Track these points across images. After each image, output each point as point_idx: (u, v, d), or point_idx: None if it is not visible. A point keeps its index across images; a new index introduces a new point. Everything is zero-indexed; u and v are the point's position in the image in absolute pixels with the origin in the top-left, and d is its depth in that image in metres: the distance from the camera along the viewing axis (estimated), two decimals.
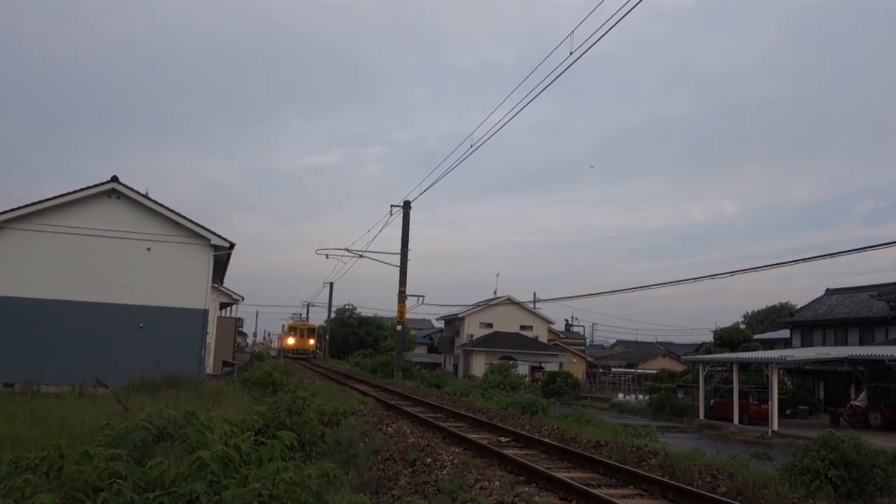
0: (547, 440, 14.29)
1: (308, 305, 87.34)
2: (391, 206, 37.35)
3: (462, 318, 66.16)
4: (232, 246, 23.95)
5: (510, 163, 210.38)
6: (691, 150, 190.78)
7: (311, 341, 71.11)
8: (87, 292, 22.10)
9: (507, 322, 65.11)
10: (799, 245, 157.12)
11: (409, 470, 10.56)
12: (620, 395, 49.79)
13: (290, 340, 70.89)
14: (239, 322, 59.26)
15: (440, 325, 78.98)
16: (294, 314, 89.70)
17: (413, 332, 70.95)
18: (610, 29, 13.21)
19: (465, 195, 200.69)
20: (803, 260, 40.33)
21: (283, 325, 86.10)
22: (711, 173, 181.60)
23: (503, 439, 14.86)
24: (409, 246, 37.51)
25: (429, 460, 10.99)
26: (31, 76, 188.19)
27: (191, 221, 23.35)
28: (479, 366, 58.54)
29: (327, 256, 42.74)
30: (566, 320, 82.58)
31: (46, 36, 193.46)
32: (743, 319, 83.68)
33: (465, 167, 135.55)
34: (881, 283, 41.60)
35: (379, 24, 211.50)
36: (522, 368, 53.05)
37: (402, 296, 37.49)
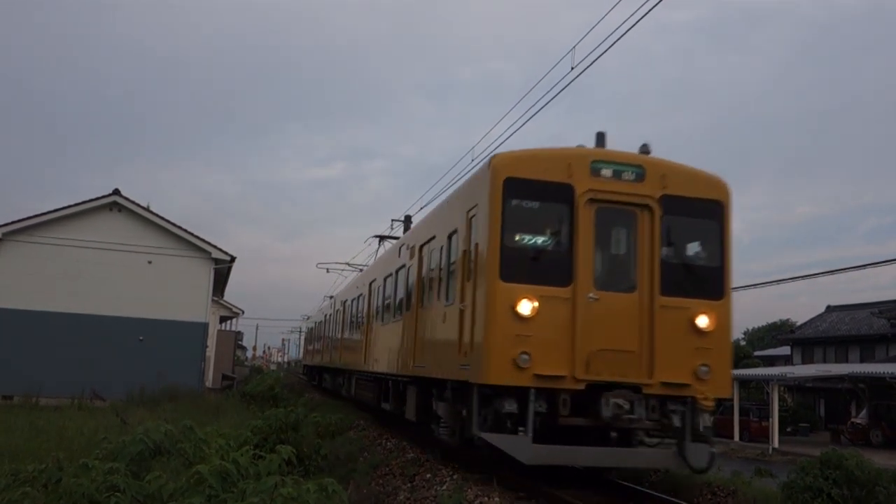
0: None
1: (308, 319, 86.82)
2: (392, 220, 37.19)
3: None
4: (233, 259, 23.95)
5: None
6: (695, 165, 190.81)
7: None
8: (87, 305, 22.06)
9: None
10: (801, 261, 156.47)
11: (409, 485, 10.49)
12: None
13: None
14: (239, 336, 59.21)
15: None
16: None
17: None
18: (613, 44, 13.25)
19: None
20: (804, 277, 40.42)
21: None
22: None
23: None
24: None
25: (428, 475, 10.92)
26: (35, 89, 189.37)
27: (192, 234, 23.36)
28: None
29: (328, 270, 42.11)
30: None
31: (51, 48, 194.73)
32: (743, 336, 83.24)
33: None
34: (882, 301, 41.50)
35: (383, 38, 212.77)
36: None
37: None
